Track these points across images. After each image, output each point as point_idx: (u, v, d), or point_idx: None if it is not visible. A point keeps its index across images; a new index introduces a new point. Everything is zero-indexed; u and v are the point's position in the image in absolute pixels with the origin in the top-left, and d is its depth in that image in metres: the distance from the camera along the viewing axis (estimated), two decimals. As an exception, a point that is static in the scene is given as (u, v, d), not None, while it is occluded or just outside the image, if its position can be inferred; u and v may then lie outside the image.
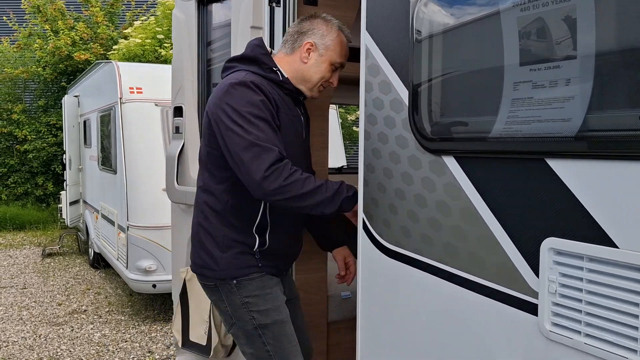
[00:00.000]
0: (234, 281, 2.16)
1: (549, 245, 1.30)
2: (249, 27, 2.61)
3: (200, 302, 2.80)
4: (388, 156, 1.86)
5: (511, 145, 1.43)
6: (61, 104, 9.88)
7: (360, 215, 2.01)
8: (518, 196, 1.40)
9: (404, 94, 1.78)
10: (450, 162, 1.60)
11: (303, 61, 2.26)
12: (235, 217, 2.16)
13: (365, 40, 1.98)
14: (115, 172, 6.47)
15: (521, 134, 1.41)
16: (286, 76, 2.25)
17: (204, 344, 2.70)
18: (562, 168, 1.29)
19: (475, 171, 1.53)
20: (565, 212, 1.28)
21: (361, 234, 2.01)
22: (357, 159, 2.11)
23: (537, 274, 1.33)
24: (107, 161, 6.94)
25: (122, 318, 6.02)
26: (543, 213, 1.33)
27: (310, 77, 2.27)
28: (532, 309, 1.34)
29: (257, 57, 2.23)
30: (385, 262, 1.88)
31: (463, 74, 1.59)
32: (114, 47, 11.08)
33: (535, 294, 1.34)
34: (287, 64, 2.28)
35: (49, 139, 12.47)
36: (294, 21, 2.54)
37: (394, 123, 1.83)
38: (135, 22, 11.32)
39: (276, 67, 2.25)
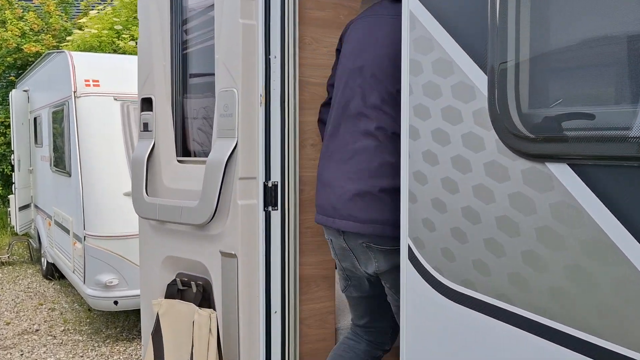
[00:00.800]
0: None
1: None
2: (238, -4, 2.07)
3: (179, 341, 2.24)
4: (450, 162, 1.35)
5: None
6: (9, 99, 9.09)
7: (405, 240, 1.50)
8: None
9: (477, 76, 1.27)
10: (562, 172, 1.10)
11: None
12: None
13: (411, 5, 1.46)
14: (69, 174, 5.84)
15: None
16: None
17: (185, 394, 2.15)
18: None
19: (608, 185, 1.03)
20: None
21: (406, 266, 1.50)
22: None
23: None
24: (60, 162, 6.29)
25: (80, 338, 5.39)
26: None
27: None
28: None
29: None
30: (446, 307, 1.38)
31: (581, 45, 1.09)
32: (68, 38, 10.34)
33: None
34: None
35: (-4, 138, 11.54)
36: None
37: (460, 116, 1.32)
38: (90, 12, 10.58)
39: None
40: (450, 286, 1.36)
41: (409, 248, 1.48)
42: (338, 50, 2.06)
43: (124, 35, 9.69)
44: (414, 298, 1.48)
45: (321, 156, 1.99)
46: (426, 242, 1.43)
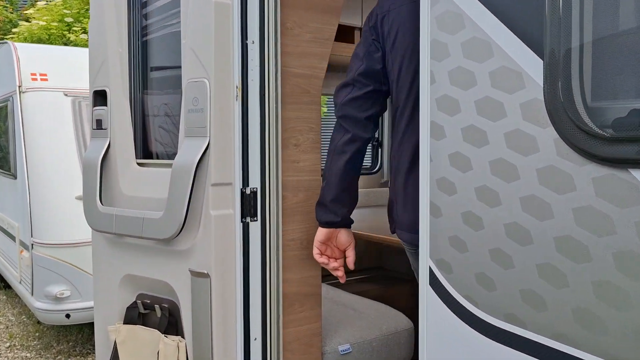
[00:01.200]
0: None
1: None
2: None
3: (141, 375, 1.92)
4: (488, 167, 1.08)
5: None
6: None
7: (425, 261, 1.23)
8: None
9: (527, 59, 1.01)
10: (655, 182, 0.85)
11: None
12: None
13: (431, -26, 1.19)
14: (14, 176, 5.47)
15: None
16: None
17: None
18: None
19: None
20: None
21: (426, 293, 1.23)
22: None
23: None
24: (4, 163, 5.89)
25: (28, 355, 5.01)
26: None
27: None
28: None
29: None
30: (482, 346, 1.11)
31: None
32: (14, 30, 9.76)
33: None
34: None
35: None
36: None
37: (502, 110, 1.06)
38: (38, 3, 10.02)
39: None
40: (489, 321, 1.09)
41: (431, 271, 1.21)
42: (375, 41, 1.71)
43: (75, 28, 9.27)
44: (438, 331, 1.21)
45: (402, 164, 1.66)
46: (454, 265, 1.16)
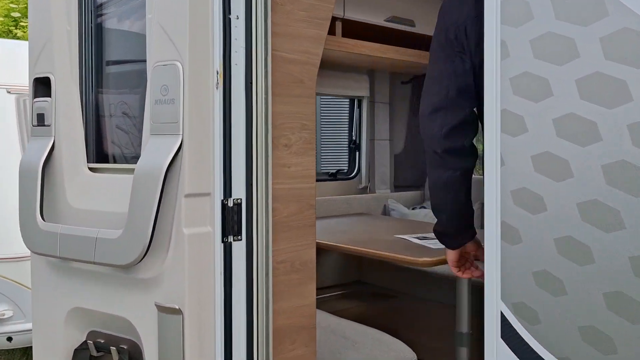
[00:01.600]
0: None
1: None
2: None
3: None
4: (601, 173, 0.76)
5: None
6: None
7: (494, 304, 0.90)
8: None
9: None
10: None
11: None
12: None
13: None
14: (-50, 183, 5.03)
15: None
16: None
17: None
18: None
19: None
20: None
21: (495, 350, 0.89)
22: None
23: None
24: (-61, 168, 5.42)
25: (-36, 383, 4.56)
26: None
27: None
28: None
29: None
30: None
31: None
32: (-45, 25, 9.25)
33: None
34: None
35: None
36: None
37: (625, 91, 0.74)
38: (-17, -3, 9.55)
39: None
40: (603, 396, 0.76)
41: (503, 319, 0.88)
42: (460, 53, 1.42)
43: (22, 24, 8.87)
44: (510, 402, 0.87)
45: None
46: (543, 313, 0.83)
